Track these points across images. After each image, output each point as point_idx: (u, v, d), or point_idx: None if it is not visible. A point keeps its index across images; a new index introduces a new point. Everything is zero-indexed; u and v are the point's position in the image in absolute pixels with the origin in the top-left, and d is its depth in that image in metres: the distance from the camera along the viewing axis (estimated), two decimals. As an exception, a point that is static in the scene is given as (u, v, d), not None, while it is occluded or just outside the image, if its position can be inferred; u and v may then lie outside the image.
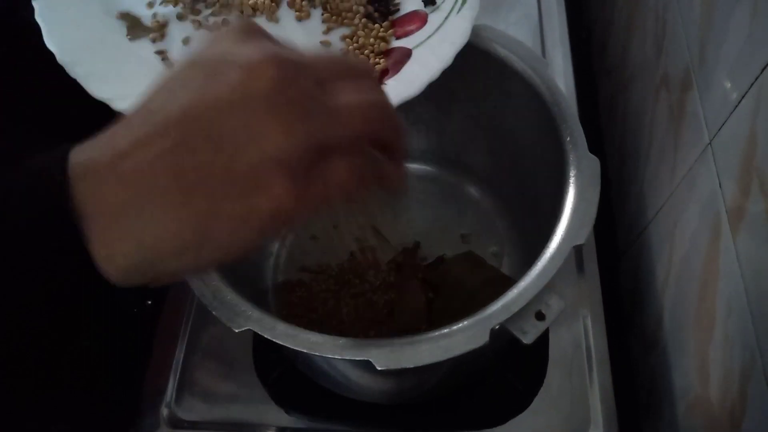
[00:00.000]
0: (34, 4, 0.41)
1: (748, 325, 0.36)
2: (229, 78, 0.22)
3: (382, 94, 0.27)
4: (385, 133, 0.26)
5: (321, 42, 0.45)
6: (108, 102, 0.38)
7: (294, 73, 0.23)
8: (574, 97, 0.61)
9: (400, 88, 0.41)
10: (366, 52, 0.44)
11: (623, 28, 0.64)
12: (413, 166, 0.63)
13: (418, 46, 0.44)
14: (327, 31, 0.45)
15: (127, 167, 0.22)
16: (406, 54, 0.43)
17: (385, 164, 0.27)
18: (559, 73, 0.62)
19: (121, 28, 0.43)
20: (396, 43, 0.45)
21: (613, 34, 0.68)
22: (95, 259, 0.22)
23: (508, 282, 0.53)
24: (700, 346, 0.43)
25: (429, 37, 0.44)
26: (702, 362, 0.42)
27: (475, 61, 0.49)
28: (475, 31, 0.48)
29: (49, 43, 0.40)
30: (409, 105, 0.57)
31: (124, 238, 0.22)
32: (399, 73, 0.42)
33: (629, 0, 0.63)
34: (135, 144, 0.22)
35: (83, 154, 0.22)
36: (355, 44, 0.44)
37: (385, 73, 0.43)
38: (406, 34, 0.45)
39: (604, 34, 0.72)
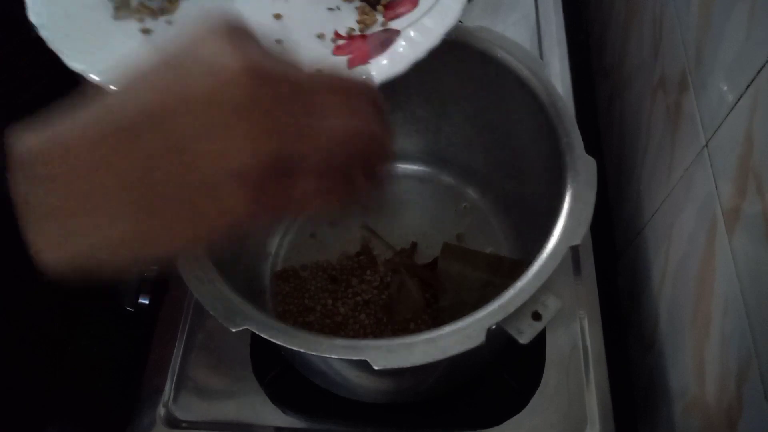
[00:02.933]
0: None
1: (744, 326, 0.36)
2: (201, 84, 0.21)
3: (375, 118, 0.26)
4: (366, 158, 0.25)
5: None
6: (83, 73, 0.38)
7: (272, 86, 0.22)
8: (571, 99, 0.61)
9: (385, 65, 0.41)
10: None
11: (620, 30, 0.64)
12: (410, 167, 0.63)
13: (407, 27, 0.44)
14: None
15: (71, 166, 0.20)
16: (394, 34, 0.44)
17: (361, 185, 0.26)
18: (556, 75, 0.62)
19: (107, 6, 0.43)
20: (387, 26, 0.45)
21: (610, 36, 0.68)
22: (33, 255, 0.21)
23: (513, 262, 0.53)
24: (697, 346, 0.43)
25: (417, 20, 0.44)
26: (699, 362, 0.43)
27: (472, 62, 0.49)
28: (473, 32, 0.48)
29: (32, 15, 0.40)
30: (406, 105, 0.57)
31: (60, 241, 0.21)
32: (385, 52, 0.42)
33: (626, 2, 0.63)
34: (84, 141, 0.21)
35: (26, 142, 0.21)
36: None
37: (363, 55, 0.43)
38: (397, 17, 0.45)
39: (601, 36, 0.72)
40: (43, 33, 0.40)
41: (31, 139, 0.21)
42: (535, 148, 0.48)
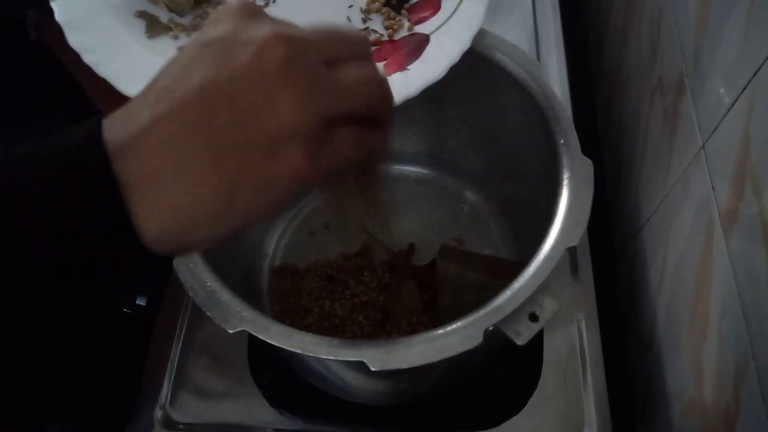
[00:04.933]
0: (52, 5, 0.42)
1: (741, 328, 0.36)
2: (242, 55, 0.24)
3: (378, 71, 0.28)
4: (380, 107, 0.28)
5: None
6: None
7: (302, 50, 0.24)
8: (569, 100, 0.61)
9: (423, 72, 0.42)
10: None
11: (619, 32, 0.65)
12: (408, 169, 0.63)
13: (435, 31, 0.44)
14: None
15: (154, 141, 0.23)
16: (424, 39, 0.44)
17: (375, 134, 0.28)
18: (554, 77, 0.62)
19: (140, 27, 0.44)
20: (413, 30, 0.46)
21: (608, 38, 0.68)
22: (137, 226, 0.23)
23: (511, 263, 0.53)
24: (695, 348, 0.43)
25: (445, 21, 0.44)
26: (696, 364, 0.43)
27: (470, 64, 0.49)
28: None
29: (73, 43, 0.41)
30: (404, 107, 0.57)
31: (161, 206, 0.23)
32: (420, 58, 0.43)
33: (625, 4, 0.63)
34: (157, 119, 0.23)
35: (108, 130, 0.23)
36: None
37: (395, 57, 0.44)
38: (421, 21, 0.45)
39: (599, 38, 0.72)
40: (88, 59, 0.41)
41: (115, 124, 0.23)
42: (533, 149, 0.48)
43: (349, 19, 0.47)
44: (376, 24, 0.47)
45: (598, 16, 0.73)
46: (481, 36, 0.48)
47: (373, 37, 0.46)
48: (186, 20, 0.46)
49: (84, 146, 0.23)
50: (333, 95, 0.25)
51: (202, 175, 0.23)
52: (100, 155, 0.22)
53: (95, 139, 0.23)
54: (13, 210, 0.22)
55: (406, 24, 0.46)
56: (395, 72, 0.43)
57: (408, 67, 0.43)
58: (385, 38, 0.46)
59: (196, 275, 0.39)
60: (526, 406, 0.48)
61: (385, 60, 0.44)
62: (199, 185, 0.23)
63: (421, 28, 0.45)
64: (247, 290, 0.52)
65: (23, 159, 0.23)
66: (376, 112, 0.28)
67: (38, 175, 0.23)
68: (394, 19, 0.46)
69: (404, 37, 0.45)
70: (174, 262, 0.40)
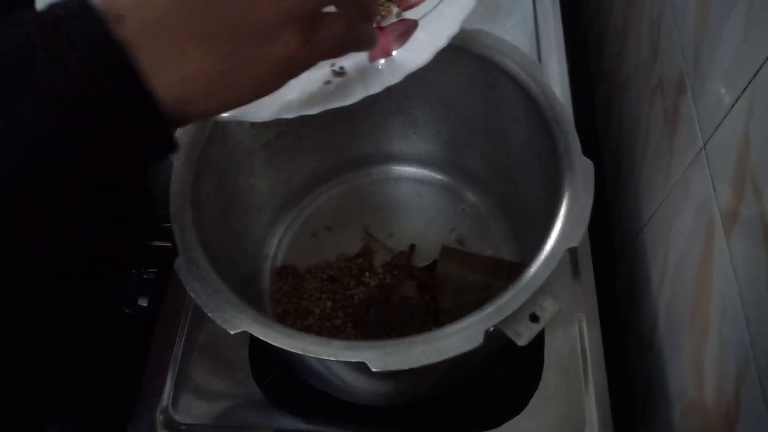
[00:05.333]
0: None
1: (742, 328, 0.36)
2: None
3: None
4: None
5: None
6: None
7: None
8: (569, 101, 0.61)
9: (409, 57, 0.41)
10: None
11: (619, 33, 0.65)
12: (408, 170, 0.63)
13: (424, 16, 0.44)
14: None
15: (155, 13, 0.24)
16: (412, 25, 0.44)
17: (363, 23, 0.31)
18: (554, 78, 0.62)
19: None
20: (402, 15, 0.45)
21: (608, 39, 0.68)
22: (152, 87, 0.24)
23: (512, 265, 0.53)
24: (695, 348, 0.43)
25: (434, 7, 0.44)
26: (697, 365, 0.43)
27: (470, 65, 0.49)
28: (471, 35, 0.48)
29: None
30: (405, 109, 0.57)
31: (168, 68, 0.24)
32: (407, 43, 0.42)
33: (624, 5, 0.63)
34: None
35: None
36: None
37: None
38: (411, 6, 0.45)
39: (600, 39, 0.72)
40: None
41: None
42: (533, 150, 0.48)
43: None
44: None
45: (598, 16, 0.73)
46: (481, 37, 0.48)
47: None
48: None
49: (72, 13, 0.23)
50: None
51: (202, 50, 0.25)
52: (96, 23, 0.23)
53: (84, 7, 0.23)
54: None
55: (395, 10, 0.46)
56: (380, 59, 0.42)
57: (394, 53, 0.42)
58: (374, 25, 0.45)
59: (198, 276, 0.39)
60: (527, 407, 0.48)
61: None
62: (199, 58, 0.25)
63: (410, 14, 0.45)
64: (248, 291, 0.52)
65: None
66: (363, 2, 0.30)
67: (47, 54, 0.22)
68: (383, 6, 0.46)
69: (393, 24, 0.45)
70: (175, 262, 0.40)
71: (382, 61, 0.41)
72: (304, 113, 0.36)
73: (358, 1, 0.30)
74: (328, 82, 0.39)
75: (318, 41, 0.27)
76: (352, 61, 0.40)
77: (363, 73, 0.40)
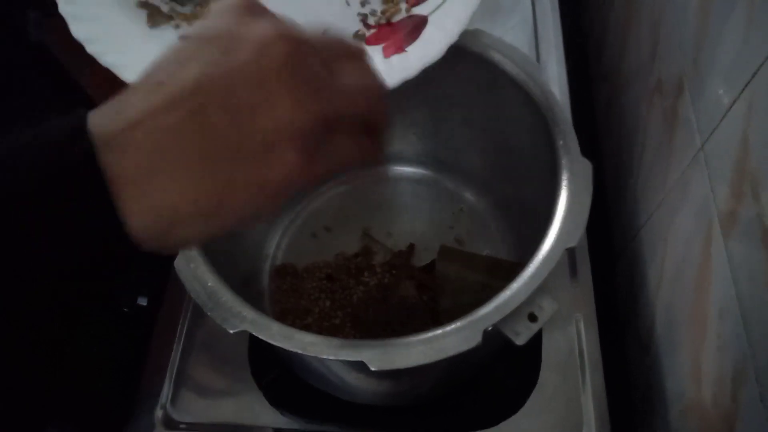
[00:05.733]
0: None
1: (740, 330, 0.36)
2: (242, 52, 0.23)
3: (377, 79, 0.28)
4: (376, 112, 0.28)
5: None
6: None
7: (303, 51, 0.24)
8: (568, 102, 0.61)
9: (421, 52, 0.42)
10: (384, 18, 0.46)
11: (618, 34, 0.65)
12: (407, 170, 0.63)
13: (433, 12, 0.44)
14: None
15: (141, 136, 0.22)
16: (422, 21, 0.44)
17: (370, 139, 0.28)
18: (553, 78, 0.62)
19: (141, 17, 0.44)
20: (411, 11, 0.46)
21: (608, 40, 0.68)
22: (124, 220, 0.22)
23: (511, 264, 0.53)
24: (694, 349, 0.43)
25: (443, 2, 0.44)
26: (695, 366, 0.43)
27: (469, 65, 0.49)
28: (470, 36, 0.48)
29: (77, 34, 0.41)
30: (404, 109, 0.58)
31: (145, 203, 0.22)
32: (418, 39, 0.43)
33: (625, 5, 0.63)
34: (148, 113, 0.22)
35: (96, 122, 0.22)
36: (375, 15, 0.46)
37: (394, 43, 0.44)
38: (419, 2, 0.45)
39: (599, 40, 0.72)
40: (90, 49, 0.41)
41: (104, 117, 0.23)
42: (532, 150, 0.48)
43: (347, 2, 0.47)
44: (375, 8, 0.46)
45: (598, 17, 0.73)
46: (480, 37, 0.48)
47: (372, 20, 0.46)
48: (186, 9, 0.46)
49: (68, 136, 0.22)
50: (331, 98, 0.24)
51: (190, 175, 0.22)
52: (85, 146, 0.22)
53: (80, 130, 0.22)
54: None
55: (404, 6, 0.46)
56: (394, 54, 0.43)
57: (407, 49, 0.43)
58: (384, 21, 0.46)
59: (197, 275, 0.39)
60: (525, 407, 0.48)
61: (383, 42, 0.44)
62: (186, 185, 0.22)
63: (418, 10, 0.45)
64: (247, 291, 0.52)
65: (5, 150, 0.22)
66: (372, 116, 0.28)
67: (20, 167, 0.22)
68: (392, 2, 0.46)
69: (402, 20, 0.45)
70: (175, 262, 0.40)
71: (396, 56, 0.42)
72: None
73: (365, 116, 0.27)
74: None
75: (321, 160, 0.25)
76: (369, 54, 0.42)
77: (379, 69, 0.41)
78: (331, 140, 0.25)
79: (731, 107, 0.38)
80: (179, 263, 0.40)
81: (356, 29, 0.45)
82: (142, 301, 0.50)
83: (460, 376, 0.51)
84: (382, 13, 0.46)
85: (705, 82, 0.42)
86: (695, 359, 0.43)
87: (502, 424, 0.47)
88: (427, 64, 0.42)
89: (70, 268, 0.23)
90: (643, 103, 0.55)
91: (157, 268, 0.51)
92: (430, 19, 0.44)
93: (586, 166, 0.42)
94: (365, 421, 0.50)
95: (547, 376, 0.49)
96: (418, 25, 0.44)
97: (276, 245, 0.59)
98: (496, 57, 0.48)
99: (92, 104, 0.23)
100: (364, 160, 0.28)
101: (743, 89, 0.36)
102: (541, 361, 0.49)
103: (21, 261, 0.22)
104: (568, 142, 0.43)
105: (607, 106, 0.67)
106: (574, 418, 0.47)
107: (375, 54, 0.42)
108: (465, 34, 0.48)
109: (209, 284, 0.39)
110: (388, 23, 0.45)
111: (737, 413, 0.37)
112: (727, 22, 0.39)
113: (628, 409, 0.54)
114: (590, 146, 0.44)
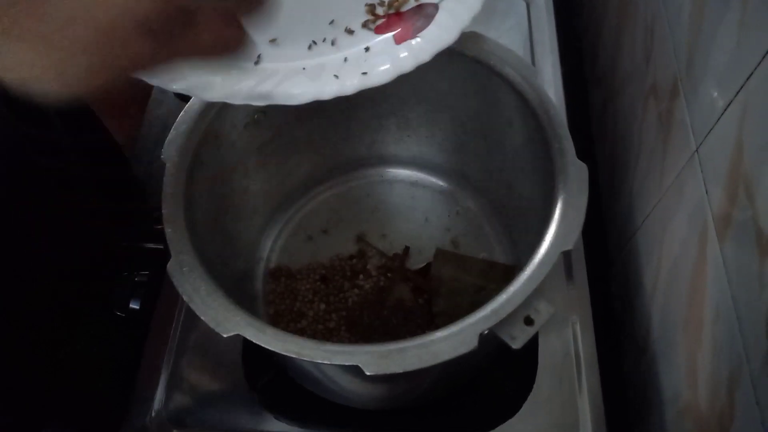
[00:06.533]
0: None
1: (735, 332, 0.36)
2: None
3: None
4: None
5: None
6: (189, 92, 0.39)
7: None
8: (563, 105, 0.61)
9: (436, 37, 0.42)
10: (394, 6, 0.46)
11: (613, 37, 0.65)
12: (402, 172, 0.63)
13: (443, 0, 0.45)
14: None
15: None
16: (433, 8, 0.44)
17: (233, 29, 0.28)
18: (548, 81, 0.62)
19: None
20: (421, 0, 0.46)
21: (603, 43, 0.69)
22: None
23: (506, 267, 0.53)
24: (689, 352, 0.43)
25: None
26: (691, 368, 0.43)
27: (465, 68, 0.49)
28: (466, 39, 0.48)
29: None
30: (399, 111, 0.57)
31: (14, 62, 0.22)
32: (432, 24, 0.43)
33: (619, 10, 0.64)
34: None
35: None
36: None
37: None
38: None
39: (594, 43, 0.72)
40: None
41: None
42: (528, 153, 0.48)
43: None
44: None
45: (593, 20, 0.73)
46: (476, 40, 0.48)
47: (380, 10, 0.45)
48: None
49: None
50: None
51: (28, 49, 0.23)
52: None
53: None
54: None
55: None
56: (406, 41, 0.43)
57: (419, 35, 0.43)
58: (392, 11, 0.45)
59: (190, 279, 0.39)
60: (521, 410, 0.48)
61: (394, 30, 0.44)
62: (42, 58, 0.23)
63: None
64: (241, 294, 0.52)
65: None
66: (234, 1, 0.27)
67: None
68: None
69: (412, 8, 0.45)
70: (168, 265, 0.39)
71: (408, 42, 0.42)
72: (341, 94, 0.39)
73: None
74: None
75: (178, 45, 0.25)
76: (380, 42, 0.42)
77: (391, 54, 0.41)
78: (190, 26, 0.25)
79: (726, 110, 0.38)
80: (172, 267, 0.39)
81: (364, 19, 0.45)
82: (135, 305, 0.50)
83: (456, 379, 0.50)
84: (390, 4, 0.46)
85: (699, 85, 0.42)
86: (691, 361, 0.43)
87: (499, 428, 0.47)
88: (440, 49, 0.42)
89: (69, 268, 0.23)
90: (638, 106, 0.55)
91: (150, 271, 0.51)
92: (442, 4, 0.44)
93: (581, 169, 0.42)
94: (360, 425, 0.50)
95: (543, 378, 0.49)
96: (429, 13, 0.44)
97: (270, 248, 0.59)
98: (492, 60, 0.48)
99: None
100: (228, 48, 0.28)
101: (738, 92, 0.36)
102: (537, 364, 0.49)
103: (21, 261, 0.22)
104: (563, 145, 0.43)
105: (603, 109, 0.67)
106: (571, 421, 0.47)
107: (386, 41, 0.42)
108: (460, 37, 0.48)
109: (202, 287, 0.39)
110: (397, 13, 0.45)
111: (733, 416, 0.37)
112: (719, 26, 0.39)
113: (624, 412, 0.54)
114: (586, 149, 0.44)
